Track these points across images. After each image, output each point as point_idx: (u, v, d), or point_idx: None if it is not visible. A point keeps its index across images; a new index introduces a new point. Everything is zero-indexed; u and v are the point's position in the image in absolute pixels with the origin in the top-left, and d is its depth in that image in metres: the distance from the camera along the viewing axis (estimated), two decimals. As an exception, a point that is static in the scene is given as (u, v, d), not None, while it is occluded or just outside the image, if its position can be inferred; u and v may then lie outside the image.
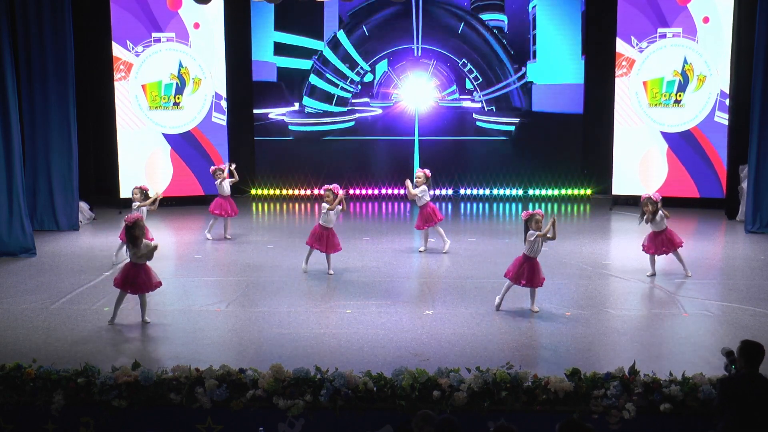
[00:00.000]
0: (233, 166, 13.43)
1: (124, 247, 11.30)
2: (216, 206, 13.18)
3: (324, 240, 11.04)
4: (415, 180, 12.16)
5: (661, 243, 10.73)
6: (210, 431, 7.17)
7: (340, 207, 11.05)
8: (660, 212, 10.66)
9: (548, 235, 9.35)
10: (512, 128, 16.84)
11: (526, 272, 9.40)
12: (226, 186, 13.14)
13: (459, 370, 7.18)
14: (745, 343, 6.31)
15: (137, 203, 11.58)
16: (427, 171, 12.19)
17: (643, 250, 10.92)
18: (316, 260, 11.31)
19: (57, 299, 10.08)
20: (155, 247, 9.15)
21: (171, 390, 7.17)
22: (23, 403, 7.21)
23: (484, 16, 16.61)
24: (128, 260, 9.27)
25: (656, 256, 10.84)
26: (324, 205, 11.07)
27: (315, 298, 10.13)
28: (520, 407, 7.02)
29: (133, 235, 9.06)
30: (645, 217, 10.71)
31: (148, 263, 9.18)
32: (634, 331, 8.89)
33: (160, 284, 9.28)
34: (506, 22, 16.62)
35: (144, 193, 11.77)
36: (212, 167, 13.66)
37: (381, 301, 9.94)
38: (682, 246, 10.81)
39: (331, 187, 11.14)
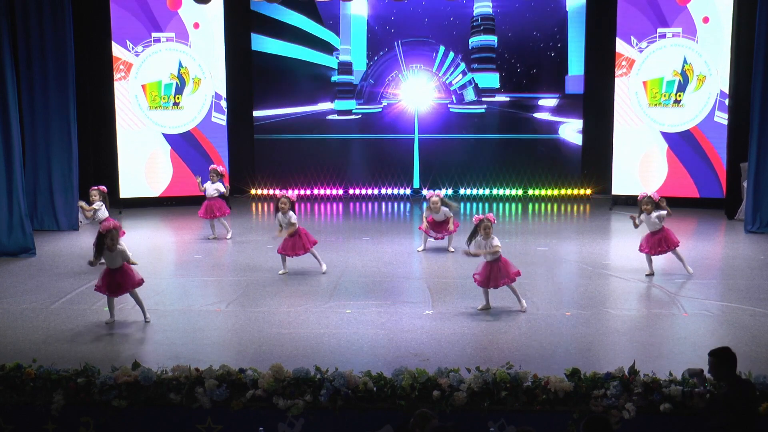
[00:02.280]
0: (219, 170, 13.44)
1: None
2: (201, 210, 13.28)
3: (287, 245, 11.04)
4: (431, 206, 12.11)
5: (656, 243, 10.74)
6: (210, 431, 7.17)
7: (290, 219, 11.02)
8: (658, 212, 10.65)
9: (472, 252, 9.37)
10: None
11: (496, 273, 9.35)
12: (208, 188, 13.25)
13: (459, 370, 7.18)
14: (716, 352, 6.34)
15: (95, 207, 11.58)
16: (439, 192, 12.29)
17: (639, 250, 10.93)
18: (315, 261, 11.33)
19: (57, 299, 10.08)
20: (126, 255, 9.17)
21: (171, 390, 7.17)
22: (23, 403, 7.21)
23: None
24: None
25: (653, 256, 10.85)
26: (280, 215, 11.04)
27: (315, 298, 10.13)
28: (520, 407, 7.02)
29: (101, 243, 9.07)
30: (639, 216, 10.73)
31: (125, 263, 9.20)
32: (634, 331, 8.89)
33: (142, 281, 9.28)
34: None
35: (103, 194, 11.79)
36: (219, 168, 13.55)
37: (381, 301, 9.95)
38: (678, 245, 10.82)
39: (288, 194, 11.19)
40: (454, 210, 12.24)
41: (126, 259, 9.15)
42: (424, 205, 12.26)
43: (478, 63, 16.76)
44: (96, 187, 11.94)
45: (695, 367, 6.95)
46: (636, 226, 10.97)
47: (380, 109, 16.99)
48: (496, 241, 9.32)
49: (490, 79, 16.83)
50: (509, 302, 9.58)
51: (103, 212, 11.67)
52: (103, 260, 9.24)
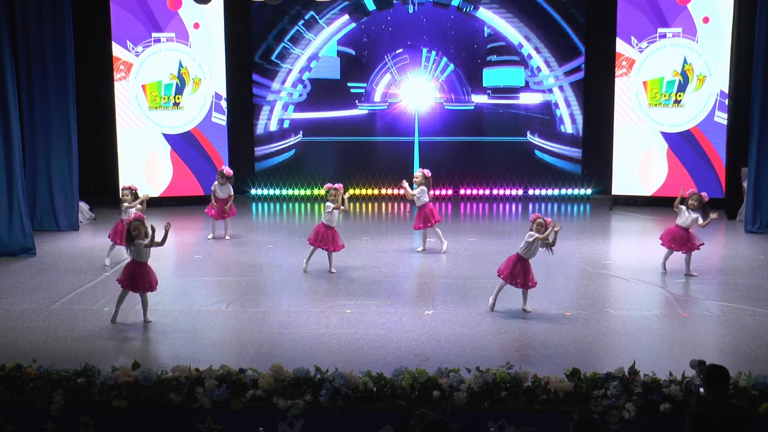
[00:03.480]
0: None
1: (115, 248, 11.38)
2: (209, 207, 13.29)
3: (327, 238, 11.06)
4: (413, 180, 12.17)
5: (682, 240, 10.71)
6: (210, 431, 7.17)
7: (343, 207, 11.09)
8: (697, 213, 10.66)
9: (548, 239, 9.31)
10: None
11: (520, 272, 9.39)
12: (219, 191, 13.20)
13: (459, 370, 7.18)
14: (711, 369, 6.05)
15: (126, 204, 11.56)
16: (426, 171, 12.17)
17: (661, 242, 10.88)
18: (316, 260, 11.32)
19: (57, 299, 10.08)
20: (152, 240, 9.13)
21: (171, 390, 7.17)
22: (23, 403, 7.21)
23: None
24: (128, 259, 9.29)
25: (671, 254, 10.81)
26: (328, 204, 11.08)
27: (315, 298, 10.14)
28: (520, 407, 7.03)
29: (130, 236, 9.13)
30: (707, 215, 10.67)
31: (149, 262, 9.23)
32: (634, 331, 8.89)
33: (157, 284, 9.32)
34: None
35: (134, 193, 11.74)
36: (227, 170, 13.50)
37: (381, 301, 9.95)
38: (699, 249, 10.80)
39: (335, 185, 11.18)
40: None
41: (155, 244, 9.17)
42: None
43: (498, 54, 16.68)
44: (128, 187, 11.80)
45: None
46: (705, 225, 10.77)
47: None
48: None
49: (512, 75, 16.76)
50: (509, 303, 9.58)
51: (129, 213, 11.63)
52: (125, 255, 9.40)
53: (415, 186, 12.09)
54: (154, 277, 9.26)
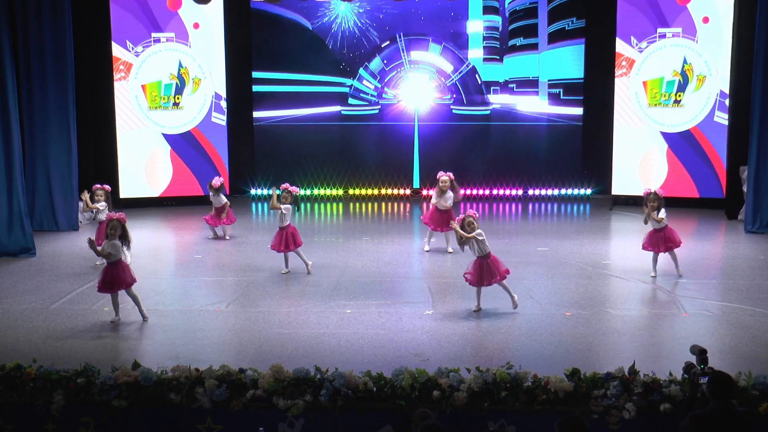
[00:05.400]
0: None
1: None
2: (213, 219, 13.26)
3: (284, 240, 11.03)
4: (441, 185, 12.13)
5: (659, 241, 10.72)
6: (210, 431, 7.17)
7: (290, 207, 11.07)
8: (663, 210, 10.62)
9: (463, 240, 9.42)
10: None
11: (487, 270, 9.39)
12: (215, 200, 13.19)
13: (459, 370, 7.18)
14: (716, 376, 5.93)
15: (99, 206, 11.54)
16: (450, 174, 12.20)
17: (642, 248, 10.92)
18: (315, 260, 11.34)
19: (57, 299, 10.08)
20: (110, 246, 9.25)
21: (171, 390, 7.17)
22: (23, 403, 7.21)
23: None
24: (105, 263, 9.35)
25: (658, 257, 10.83)
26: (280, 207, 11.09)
27: (315, 298, 10.13)
28: (520, 407, 7.02)
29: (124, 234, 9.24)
30: (647, 212, 10.62)
31: (123, 260, 9.31)
32: (634, 331, 8.90)
33: (133, 282, 9.27)
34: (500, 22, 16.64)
35: (107, 193, 11.69)
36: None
37: (381, 301, 9.95)
38: (680, 245, 10.82)
39: (289, 187, 11.16)
40: (457, 200, 12.22)
41: (117, 255, 9.19)
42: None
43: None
44: (100, 186, 11.87)
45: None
46: (646, 222, 10.84)
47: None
48: (478, 233, 9.38)
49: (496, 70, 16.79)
50: (508, 302, 9.57)
51: (104, 215, 11.60)
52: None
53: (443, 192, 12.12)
54: (123, 279, 9.17)
